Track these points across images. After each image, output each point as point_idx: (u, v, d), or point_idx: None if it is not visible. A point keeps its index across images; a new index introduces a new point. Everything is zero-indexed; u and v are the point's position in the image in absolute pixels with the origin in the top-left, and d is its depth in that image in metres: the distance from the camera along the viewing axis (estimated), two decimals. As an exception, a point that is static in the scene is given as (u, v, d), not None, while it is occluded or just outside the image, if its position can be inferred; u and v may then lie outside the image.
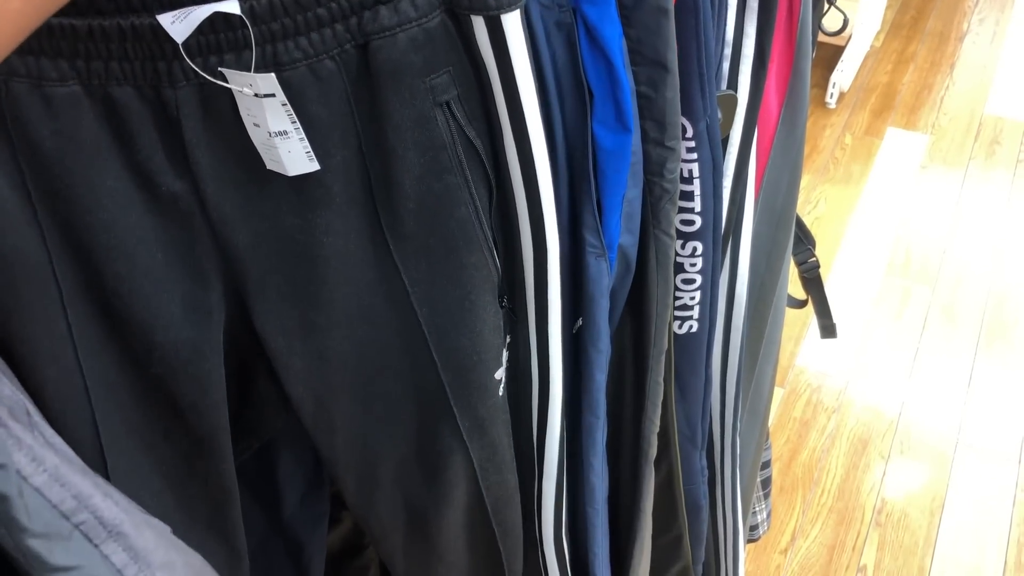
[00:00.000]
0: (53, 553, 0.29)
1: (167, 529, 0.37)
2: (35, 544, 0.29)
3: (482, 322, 0.57)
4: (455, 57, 0.49)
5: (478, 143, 0.52)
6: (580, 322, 0.65)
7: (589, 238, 0.59)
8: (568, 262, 0.63)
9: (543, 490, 0.70)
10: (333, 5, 0.46)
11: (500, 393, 0.62)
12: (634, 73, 0.56)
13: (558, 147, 0.58)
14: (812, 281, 1.09)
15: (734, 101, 0.74)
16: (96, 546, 0.30)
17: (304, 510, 0.83)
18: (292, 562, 0.85)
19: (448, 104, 0.50)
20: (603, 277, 0.61)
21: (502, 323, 0.60)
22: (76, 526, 0.30)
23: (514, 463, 0.68)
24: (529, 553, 0.74)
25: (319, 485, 0.78)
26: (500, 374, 0.61)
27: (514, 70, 0.50)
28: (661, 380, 0.74)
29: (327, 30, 0.46)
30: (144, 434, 0.57)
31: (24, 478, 0.29)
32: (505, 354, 0.63)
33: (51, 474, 0.30)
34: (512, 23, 0.48)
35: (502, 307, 0.59)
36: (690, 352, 0.86)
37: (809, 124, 2.31)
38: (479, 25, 0.48)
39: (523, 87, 0.51)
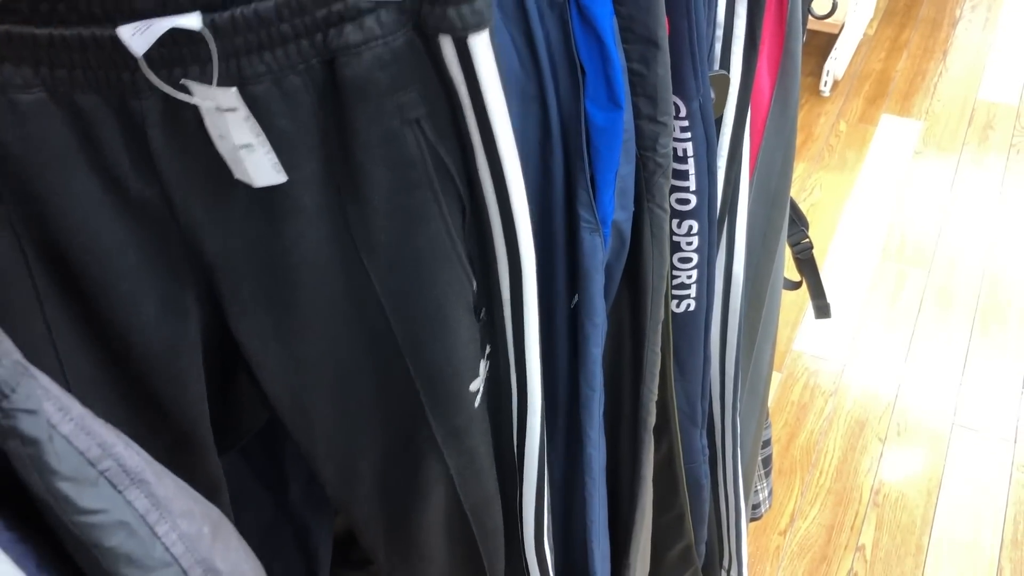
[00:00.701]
0: (81, 497, 0.31)
1: (184, 483, 0.38)
2: (64, 487, 0.30)
3: (456, 335, 0.57)
4: (424, 75, 0.48)
5: (449, 160, 0.51)
6: (576, 298, 0.67)
7: (583, 214, 0.61)
8: (564, 238, 0.64)
9: (524, 497, 0.70)
10: (297, 21, 0.45)
11: (477, 404, 0.62)
12: (626, 51, 0.57)
13: (553, 126, 0.59)
14: (806, 262, 1.10)
15: (726, 81, 0.75)
16: (120, 492, 0.32)
17: (310, 495, 0.85)
18: (299, 547, 0.87)
19: (418, 121, 0.49)
20: (597, 252, 0.62)
21: (479, 335, 0.60)
22: (101, 472, 0.32)
23: (493, 470, 0.68)
24: (513, 555, 0.75)
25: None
26: (476, 385, 0.61)
27: (483, 91, 0.49)
28: (658, 350, 0.75)
29: (292, 46, 0.45)
30: (128, 429, 0.58)
31: (53, 425, 0.30)
32: (484, 364, 0.63)
33: (77, 423, 0.31)
34: (480, 45, 0.47)
35: (479, 320, 0.59)
36: (688, 331, 0.87)
37: (804, 112, 2.32)
38: (447, 46, 0.47)
39: (493, 108, 0.49)
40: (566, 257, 0.65)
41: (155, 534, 0.33)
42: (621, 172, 0.61)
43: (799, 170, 2.16)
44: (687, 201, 0.77)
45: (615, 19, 0.56)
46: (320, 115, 0.48)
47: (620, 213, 0.63)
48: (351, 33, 0.45)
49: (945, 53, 2.51)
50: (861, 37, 2.55)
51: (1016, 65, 2.47)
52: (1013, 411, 1.65)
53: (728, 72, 0.76)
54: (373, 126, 0.48)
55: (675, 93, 0.69)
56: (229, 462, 0.72)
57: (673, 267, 0.81)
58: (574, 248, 0.64)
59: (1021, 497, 1.52)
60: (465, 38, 0.47)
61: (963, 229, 2.01)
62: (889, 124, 2.29)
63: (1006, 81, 2.41)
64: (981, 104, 2.35)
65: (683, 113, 0.71)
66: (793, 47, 0.82)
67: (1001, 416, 1.65)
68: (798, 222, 1.08)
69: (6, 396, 0.30)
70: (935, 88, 2.40)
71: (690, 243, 0.80)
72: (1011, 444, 1.60)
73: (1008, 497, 1.52)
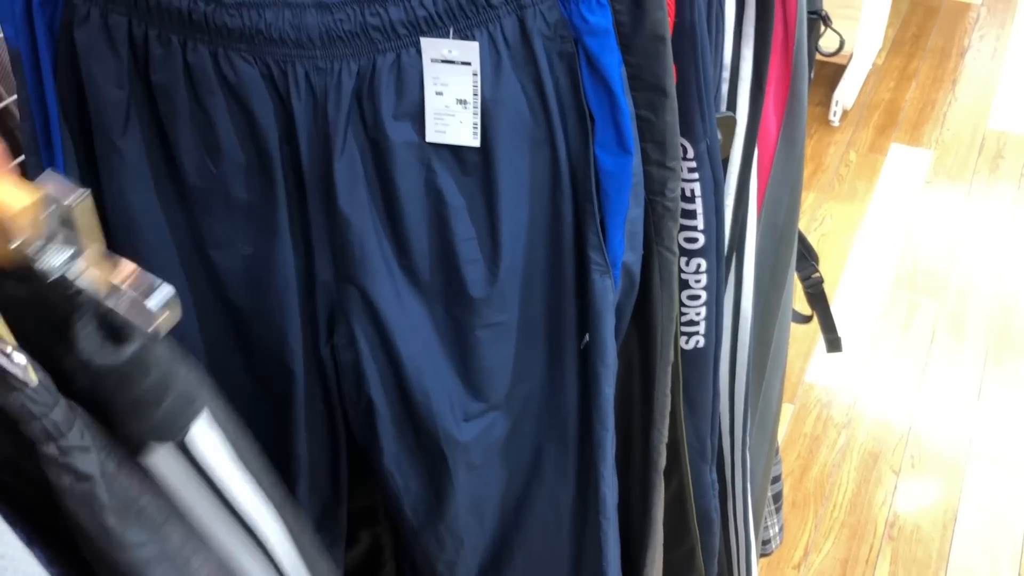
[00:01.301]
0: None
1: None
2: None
3: None
4: None
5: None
6: (587, 337, 0.67)
7: (593, 256, 0.62)
8: (574, 279, 0.65)
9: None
10: None
11: None
12: (634, 98, 0.59)
13: (562, 170, 0.60)
14: (816, 296, 1.11)
15: (733, 122, 0.76)
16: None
17: (321, 532, 0.85)
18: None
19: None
20: (608, 293, 0.63)
21: None
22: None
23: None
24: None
25: (336, 505, 0.80)
26: None
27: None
28: (668, 392, 0.76)
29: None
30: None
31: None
32: None
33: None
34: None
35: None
36: (697, 367, 0.87)
37: (813, 142, 2.33)
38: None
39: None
40: (576, 298, 0.66)
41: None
42: (630, 215, 0.62)
43: (809, 200, 2.17)
44: (695, 240, 0.78)
45: (624, 67, 0.57)
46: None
47: (630, 255, 0.64)
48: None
49: (954, 82, 2.52)
50: (870, 67, 2.56)
51: (1025, 94, 2.47)
52: (1028, 442, 1.64)
53: (735, 113, 0.77)
54: None
55: (683, 136, 0.70)
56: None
57: (682, 304, 0.82)
58: (584, 289, 0.65)
59: (1037, 530, 1.51)
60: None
61: (975, 258, 2.01)
62: (899, 153, 2.30)
63: (1016, 110, 2.42)
64: (991, 133, 2.35)
65: (691, 155, 0.72)
66: (799, 87, 0.83)
67: (1017, 447, 1.64)
68: (808, 256, 1.09)
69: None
70: (945, 117, 2.40)
71: (699, 280, 0.81)
72: (1026, 476, 1.59)
73: (1024, 530, 1.51)
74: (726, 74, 0.75)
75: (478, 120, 0.57)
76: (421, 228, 0.61)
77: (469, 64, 0.54)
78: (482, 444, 0.71)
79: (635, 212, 0.61)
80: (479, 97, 0.56)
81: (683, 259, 0.79)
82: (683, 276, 0.80)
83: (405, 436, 0.71)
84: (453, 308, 0.65)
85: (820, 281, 1.08)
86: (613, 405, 0.70)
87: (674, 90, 0.59)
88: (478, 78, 0.55)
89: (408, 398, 0.68)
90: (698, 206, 0.75)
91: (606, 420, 0.70)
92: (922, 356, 1.80)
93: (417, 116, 0.57)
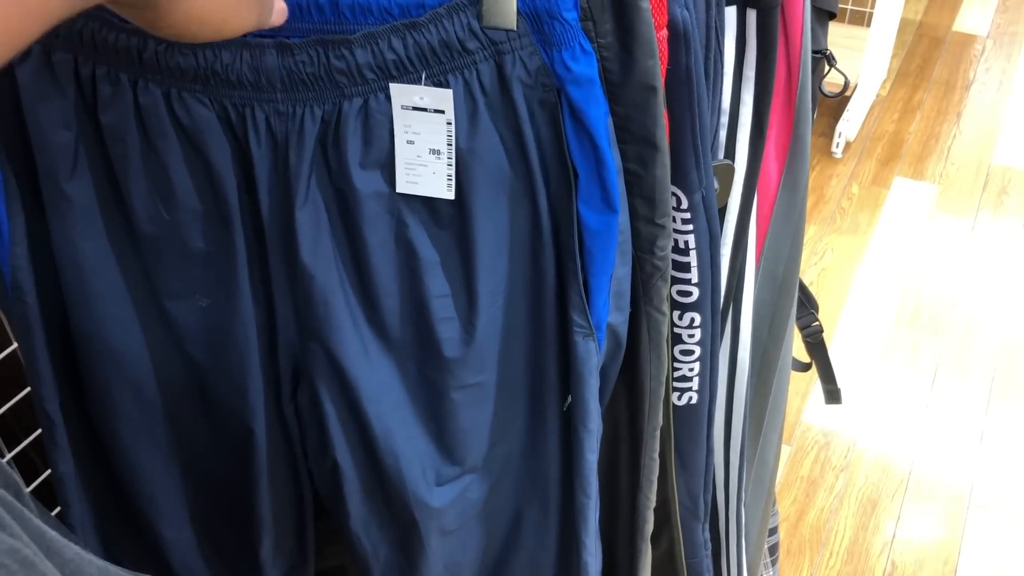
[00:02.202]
0: None
1: None
2: None
3: None
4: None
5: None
6: (569, 399, 0.63)
7: (576, 318, 0.57)
8: (556, 338, 0.61)
9: None
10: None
11: None
12: (622, 151, 0.54)
13: (544, 225, 0.56)
14: (816, 346, 1.06)
15: (731, 171, 0.72)
16: None
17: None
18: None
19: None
20: (591, 357, 0.58)
21: None
22: None
23: None
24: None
25: (302, 565, 0.75)
26: None
27: None
28: (656, 456, 0.72)
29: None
30: None
31: None
32: None
33: None
34: None
35: None
36: (690, 423, 0.83)
37: (815, 173, 2.29)
38: None
39: None
40: (557, 359, 0.62)
41: None
42: (616, 274, 0.57)
43: (810, 233, 2.12)
44: (689, 293, 0.73)
45: (611, 119, 0.52)
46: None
47: (616, 315, 0.59)
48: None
49: (959, 115, 2.48)
50: (874, 98, 2.53)
51: (1031, 129, 2.44)
52: (1032, 491, 1.59)
53: (733, 161, 0.73)
54: None
55: (677, 186, 0.66)
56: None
57: (675, 359, 0.78)
58: (567, 350, 0.60)
59: (1041, 583, 1.46)
60: None
61: (979, 296, 1.96)
62: (902, 187, 2.26)
63: (1021, 146, 2.38)
64: (996, 169, 2.31)
65: (685, 205, 0.67)
66: (802, 131, 0.79)
67: (1020, 493, 1.59)
68: (808, 304, 1.04)
69: None
70: (949, 151, 2.37)
71: (692, 336, 0.76)
72: (1030, 526, 1.54)
73: (1028, 583, 1.46)
74: (725, 120, 0.71)
75: (452, 171, 0.52)
76: (391, 283, 0.57)
77: (443, 112, 0.50)
78: (457, 509, 0.67)
79: (622, 271, 0.57)
80: (454, 147, 0.51)
81: (676, 313, 0.74)
82: (676, 331, 0.75)
83: (374, 500, 0.66)
84: (426, 368, 0.61)
85: (820, 330, 1.04)
86: (597, 471, 0.66)
87: (665, 143, 0.55)
88: (452, 127, 0.51)
89: (377, 461, 0.63)
90: (692, 259, 0.70)
91: (588, 488, 0.65)
92: (923, 396, 1.76)
93: (387, 165, 0.53)
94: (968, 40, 2.78)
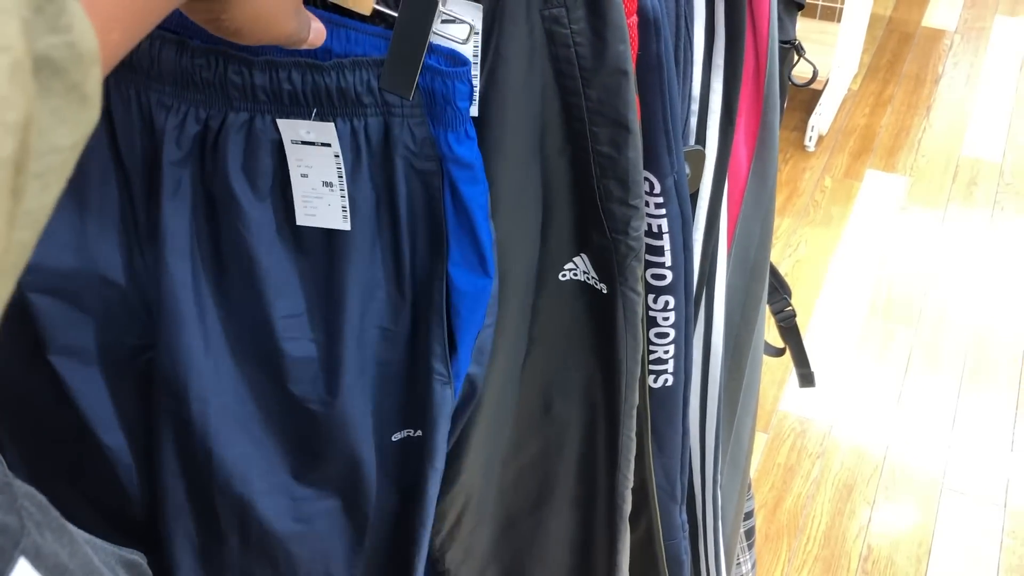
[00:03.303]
0: None
1: None
2: None
3: None
4: None
5: None
6: (415, 433, 0.64)
7: (436, 366, 0.59)
8: (405, 375, 0.62)
9: None
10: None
11: None
12: (595, 134, 0.56)
13: (405, 281, 0.58)
14: (789, 330, 1.09)
15: (702, 156, 0.74)
16: None
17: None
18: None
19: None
20: (447, 403, 0.60)
21: None
22: None
23: None
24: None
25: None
26: None
27: None
28: (633, 435, 0.73)
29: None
30: None
31: None
32: None
33: None
34: None
35: None
36: (666, 406, 0.85)
37: (788, 167, 2.32)
38: None
39: None
40: (406, 393, 0.63)
41: None
42: (482, 334, 0.59)
43: (784, 225, 2.16)
44: (663, 276, 0.75)
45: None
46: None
47: (475, 368, 0.61)
48: None
49: (928, 109, 2.52)
50: (845, 92, 2.56)
51: (998, 122, 2.48)
52: (1002, 473, 1.63)
53: (704, 147, 0.75)
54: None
55: (649, 170, 0.67)
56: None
57: (650, 342, 0.79)
58: (420, 390, 0.61)
59: (1012, 564, 1.49)
60: None
61: (950, 286, 2.00)
62: (874, 180, 2.29)
63: (989, 138, 2.42)
64: (965, 160, 2.35)
65: (657, 190, 0.69)
66: (771, 119, 0.81)
67: (991, 478, 1.62)
68: (780, 290, 1.06)
69: None
70: (919, 144, 2.41)
71: (667, 318, 0.78)
72: (1001, 508, 1.57)
73: (1000, 563, 1.49)
74: (695, 107, 0.73)
75: (347, 203, 0.54)
76: (243, 293, 0.58)
77: (329, 145, 0.52)
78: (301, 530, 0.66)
79: (486, 332, 0.59)
80: (344, 180, 0.53)
81: (651, 296, 0.76)
82: (651, 314, 0.77)
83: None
84: (268, 380, 0.61)
85: (793, 315, 1.06)
86: (435, 506, 0.66)
87: (637, 126, 0.56)
88: (340, 159, 0.53)
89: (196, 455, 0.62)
90: (665, 242, 0.72)
91: (426, 519, 0.66)
92: (897, 385, 1.79)
93: (272, 189, 0.55)
94: (937, 35, 2.83)
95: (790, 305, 1.05)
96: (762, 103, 0.78)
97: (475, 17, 0.52)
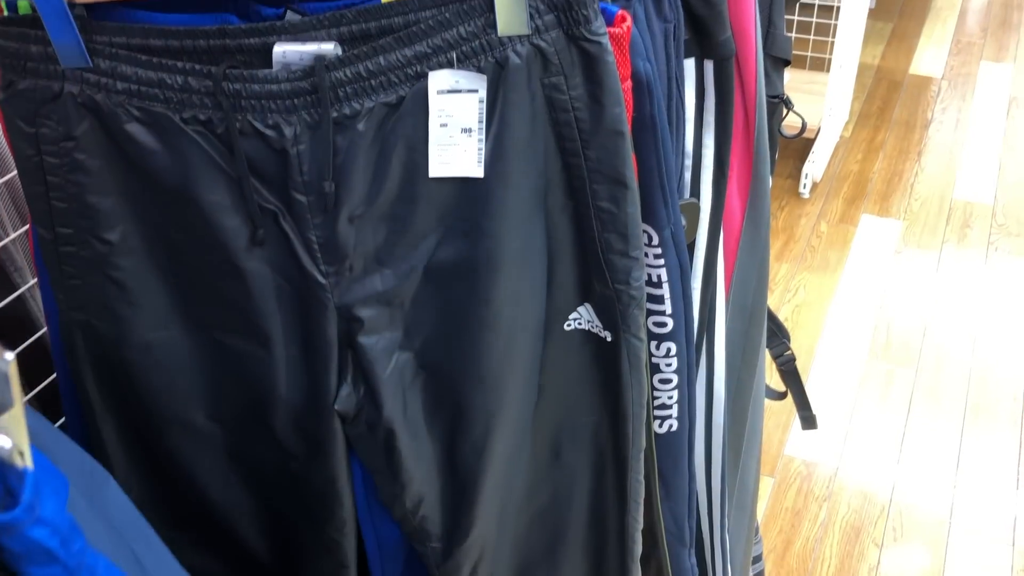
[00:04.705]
0: None
1: None
2: None
3: None
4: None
5: None
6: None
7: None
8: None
9: None
10: None
11: None
12: (595, 191, 0.59)
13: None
14: (790, 374, 1.11)
15: (697, 208, 0.77)
16: None
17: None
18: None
19: None
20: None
21: None
22: None
23: None
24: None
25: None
26: None
27: None
28: (642, 478, 0.75)
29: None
30: None
31: None
32: None
33: None
34: None
35: None
36: (672, 450, 0.87)
37: (784, 213, 2.36)
38: None
39: None
40: None
41: None
42: None
43: (782, 271, 2.19)
44: (664, 324, 0.78)
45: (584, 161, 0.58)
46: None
47: None
48: None
49: (920, 154, 2.58)
50: (837, 140, 2.62)
51: (988, 165, 2.53)
52: (1010, 511, 1.64)
53: (698, 199, 0.78)
54: None
55: (647, 223, 0.71)
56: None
57: (654, 388, 0.82)
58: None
59: (1023, 602, 1.49)
60: None
61: (947, 326, 2.03)
62: (869, 224, 2.33)
63: (980, 181, 2.47)
64: (958, 203, 2.39)
65: (656, 241, 0.73)
66: (761, 170, 0.84)
67: (998, 517, 1.63)
68: (779, 334, 1.09)
69: None
70: (912, 188, 2.45)
71: (669, 364, 0.81)
72: (1010, 546, 1.58)
73: (1010, 602, 1.49)
74: (688, 161, 0.77)
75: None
76: None
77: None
78: None
79: None
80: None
81: (653, 343, 0.79)
82: (654, 360, 0.80)
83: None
84: None
85: (792, 359, 1.09)
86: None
87: (635, 182, 0.60)
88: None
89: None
90: (665, 291, 0.75)
91: None
92: (900, 426, 1.80)
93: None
94: (925, 82, 2.89)
95: (789, 349, 1.08)
96: (753, 156, 0.82)
97: (481, 86, 0.55)
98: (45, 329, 0.90)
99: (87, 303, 0.65)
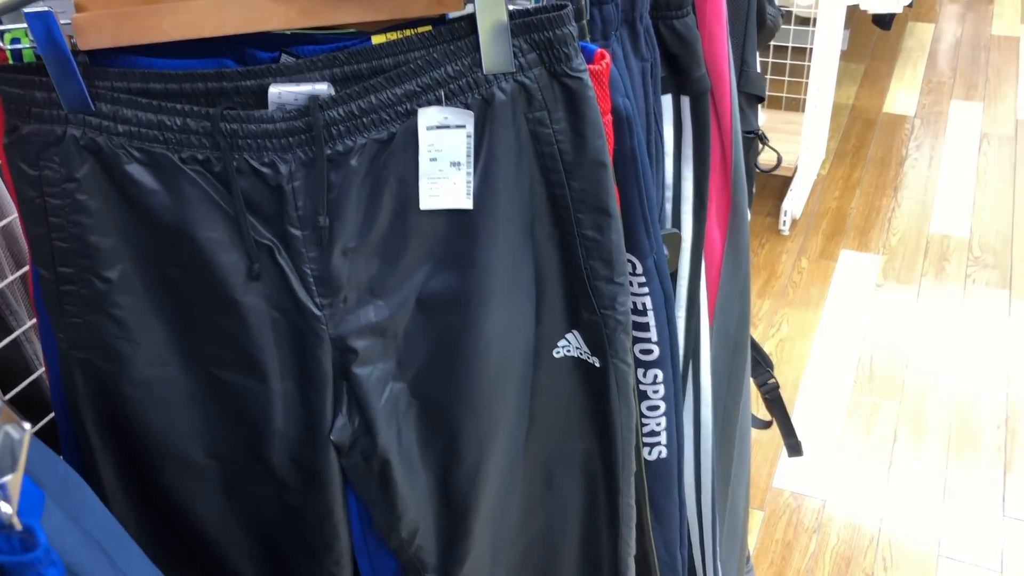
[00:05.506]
0: None
1: None
2: None
3: None
4: None
5: None
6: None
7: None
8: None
9: None
10: None
11: None
12: (579, 219, 0.62)
13: None
14: (774, 402, 1.13)
15: (678, 238, 0.80)
16: None
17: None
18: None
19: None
20: None
21: None
22: None
23: None
24: None
25: None
26: None
27: None
28: (633, 503, 0.77)
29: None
30: None
31: None
32: None
33: None
34: None
35: None
36: (662, 477, 0.88)
37: (765, 250, 2.40)
38: None
39: None
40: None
41: None
42: None
43: (765, 307, 2.22)
44: (650, 351, 0.80)
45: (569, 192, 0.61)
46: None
47: None
48: None
49: (896, 189, 2.63)
50: (815, 178, 2.67)
51: (963, 199, 2.58)
52: (997, 538, 1.65)
53: (679, 230, 0.81)
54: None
55: (631, 252, 0.73)
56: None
57: (642, 415, 0.84)
58: None
59: (1014, 629, 1.50)
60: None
61: (929, 358, 2.06)
62: (849, 259, 2.37)
63: (955, 214, 2.52)
64: (935, 237, 2.44)
65: (639, 270, 0.75)
66: (740, 202, 0.87)
67: (985, 544, 1.64)
68: (763, 363, 1.12)
69: None
70: (890, 223, 2.50)
71: (656, 391, 0.83)
72: (998, 574, 1.59)
73: (1001, 629, 1.50)
74: (669, 193, 0.80)
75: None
76: None
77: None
78: None
79: None
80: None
81: (640, 371, 0.81)
82: (641, 387, 0.82)
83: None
84: None
85: (776, 387, 1.11)
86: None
87: (617, 211, 0.63)
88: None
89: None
90: (650, 319, 0.78)
91: None
92: (886, 457, 1.82)
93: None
94: (898, 120, 2.96)
95: (773, 377, 1.10)
96: (731, 188, 0.85)
97: (468, 122, 0.58)
98: (40, 372, 0.91)
99: (87, 342, 0.67)
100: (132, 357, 0.67)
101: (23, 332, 0.90)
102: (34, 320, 0.88)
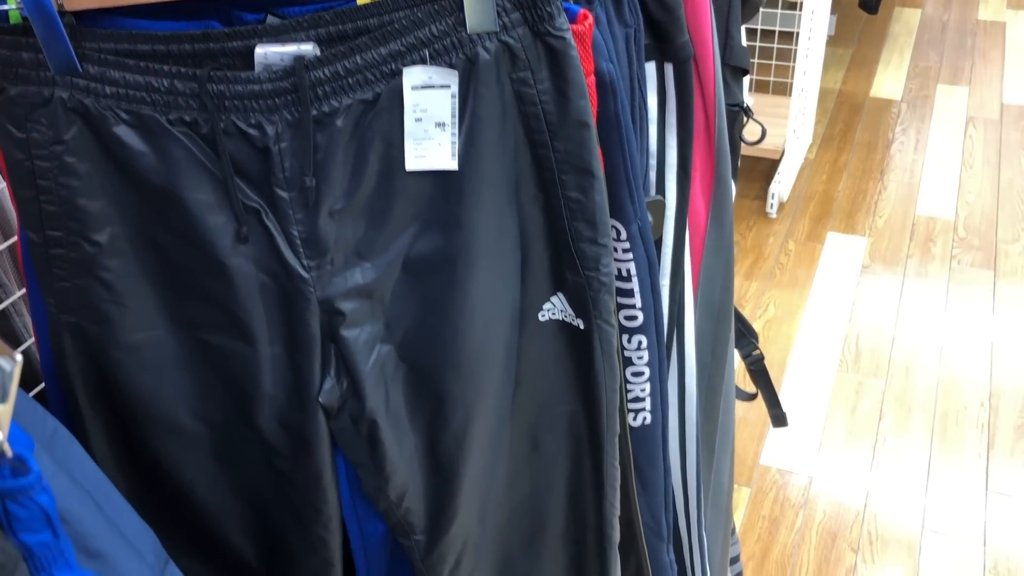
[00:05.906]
0: None
1: None
2: None
3: None
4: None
5: None
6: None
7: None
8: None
9: None
10: None
11: None
12: (564, 181, 0.62)
13: None
14: (759, 373, 1.14)
15: (663, 206, 0.81)
16: None
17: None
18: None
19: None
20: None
21: None
22: None
23: None
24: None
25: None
26: None
27: None
28: (618, 464, 0.78)
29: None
30: None
31: None
32: None
33: None
34: None
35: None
36: (647, 444, 0.89)
37: (753, 233, 2.41)
38: None
39: None
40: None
41: None
42: None
43: (752, 288, 2.23)
44: (635, 317, 0.81)
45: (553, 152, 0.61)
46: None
47: None
48: None
49: (882, 173, 2.65)
50: (802, 161, 2.68)
51: (948, 182, 2.60)
52: (980, 513, 1.67)
53: (664, 197, 0.82)
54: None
55: (615, 218, 0.74)
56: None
57: (627, 381, 0.85)
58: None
59: (997, 601, 1.52)
60: None
61: (914, 338, 2.08)
62: (836, 241, 2.39)
63: (941, 197, 2.54)
64: (920, 219, 2.46)
65: (624, 236, 0.76)
66: (723, 172, 0.88)
67: (969, 519, 1.66)
68: (747, 334, 1.13)
69: None
70: (876, 206, 2.51)
71: (641, 357, 0.84)
72: (981, 546, 1.61)
73: (984, 601, 1.52)
74: (653, 161, 0.80)
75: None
76: None
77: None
78: None
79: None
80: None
81: (624, 337, 0.82)
82: (626, 353, 0.83)
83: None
84: None
85: (761, 358, 1.12)
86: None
87: (601, 172, 0.63)
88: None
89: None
90: (634, 284, 0.78)
91: None
92: (871, 435, 1.84)
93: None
94: (885, 105, 2.98)
95: (757, 348, 1.11)
96: (714, 157, 0.86)
97: (452, 82, 0.59)
98: (29, 342, 0.91)
99: (76, 305, 0.67)
100: (120, 321, 0.67)
101: (11, 304, 0.90)
102: (23, 291, 0.89)
